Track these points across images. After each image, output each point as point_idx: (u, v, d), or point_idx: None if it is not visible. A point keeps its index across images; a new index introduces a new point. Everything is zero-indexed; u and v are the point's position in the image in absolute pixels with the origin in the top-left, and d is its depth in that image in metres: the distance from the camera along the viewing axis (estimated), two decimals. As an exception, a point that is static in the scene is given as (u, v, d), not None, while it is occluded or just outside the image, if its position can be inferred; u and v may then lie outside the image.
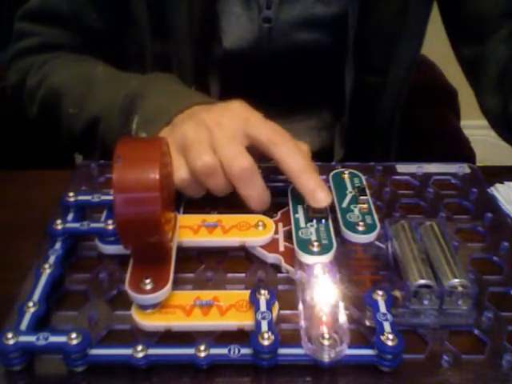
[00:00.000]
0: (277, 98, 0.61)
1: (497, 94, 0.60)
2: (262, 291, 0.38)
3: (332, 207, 0.46)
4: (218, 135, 0.45)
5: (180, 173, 0.45)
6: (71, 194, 0.46)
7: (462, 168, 0.54)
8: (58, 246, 0.43)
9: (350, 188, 0.48)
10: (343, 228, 0.44)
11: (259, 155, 0.45)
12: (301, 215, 0.45)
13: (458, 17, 0.63)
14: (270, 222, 0.45)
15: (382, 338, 0.35)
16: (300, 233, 0.43)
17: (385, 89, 0.65)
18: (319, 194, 0.44)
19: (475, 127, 1.24)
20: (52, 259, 0.42)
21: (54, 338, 0.35)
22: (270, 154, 0.45)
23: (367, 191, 0.47)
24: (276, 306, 0.38)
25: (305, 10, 0.60)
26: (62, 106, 0.59)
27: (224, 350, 0.35)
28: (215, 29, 0.61)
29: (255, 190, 0.45)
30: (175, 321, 0.38)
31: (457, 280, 0.38)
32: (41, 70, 0.62)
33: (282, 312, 0.39)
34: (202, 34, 0.60)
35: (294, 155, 0.44)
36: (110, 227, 0.43)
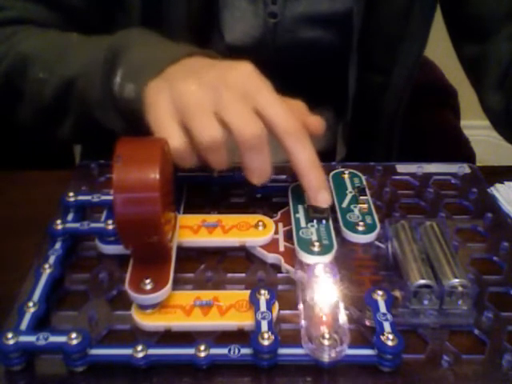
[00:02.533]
0: None
1: (499, 93, 0.60)
2: (262, 291, 0.38)
3: (332, 207, 0.46)
4: (225, 96, 0.41)
5: (175, 142, 0.41)
6: (71, 194, 0.46)
7: (462, 168, 0.54)
8: (58, 246, 0.43)
9: (349, 188, 0.48)
10: (343, 228, 0.44)
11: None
12: (301, 215, 0.45)
13: (460, 16, 0.63)
14: (270, 222, 0.45)
15: (382, 338, 0.35)
16: (301, 232, 0.43)
17: (388, 89, 0.65)
18: (323, 195, 0.43)
19: (475, 127, 1.24)
20: (52, 259, 0.42)
21: (53, 338, 0.35)
22: (281, 140, 0.42)
23: (367, 191, 0.47)
24: (276, 305, 0.38)
25: (310, 7, 0.60)
26: (29, 73, 0.54)
27: (224, 350, 0.35)
28: (215, 21, 0.60)
29: (261, 162, 0.42)
30: (175, 321, 0.38)
31: (457, 280, 0.38)
32: (8, 40, 0.57)
33: (282, 312, 0.39)
34: (200, 26, 0.59)
35: (306, 149, 0.42)
36: (110, 227, 0.43)
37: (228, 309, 0.38)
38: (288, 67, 0.63)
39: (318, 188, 0.43)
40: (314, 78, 0.65)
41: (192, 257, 0.44)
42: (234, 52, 0.61)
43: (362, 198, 0.46)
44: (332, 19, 0.61)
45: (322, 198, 0.43)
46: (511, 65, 0.58)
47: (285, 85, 0.58)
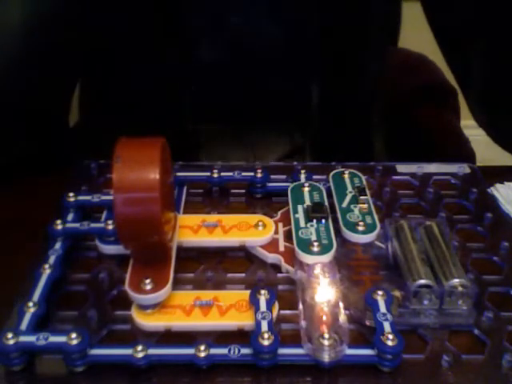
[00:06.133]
0: (243, 111, 0.62)
1: (482, 108, 0.60)
2: (262, 291, 0.38)
3: (332, 207, 0.46)
4: None
5: None
6: (71, 194, 0.46)
7: (462, 168, 0.54)
8: (57, 246, 0.43)
9: (349, 188, 0.48)
10: (343, 228, 0.44)
11: None
12: (301, 215, 0.45)
13: (441, 27, 0.63)
14: (269, 221, 0.45)
15: (382, 338, 0.35)
16: (300, 233, 0.43)
17: (354, 97, 0.65)
18: None
19: (475, 127, 1.23)
20: (52, 259, 0.42)
21: (53, 338, 0.35)
22: None
23: (367, 191, 0.47)
24: (276, 305, 0.38)
25: (269, 21, 0.59)
26: None
27: (224, 350, 0.35)
28: (179, 42, 0.59)
29: None
30: (175, 321, 0.38)
31: (457, 280, 0.38)
32: None
33: (282, 312, 0.39)
34: (165, 46, 0.59)
35: None
36: (110, 227, 0.43)
37: (228, 309, 0.38)
38: (251, 81, 0.62)
39: None
40: (278, 90, 0.63)
41: (192, 257, 0.44)
42: (202, 71, 0.60)
43: (361, 197, 0.46)
44: (290, 32, 0.60)
45: None
46: (490, 81, 0.58)
47: (248, 97, 0.59)
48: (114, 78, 0.62)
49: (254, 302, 0.37)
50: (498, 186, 0.52)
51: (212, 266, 0.43)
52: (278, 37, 0.60)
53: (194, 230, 0.44)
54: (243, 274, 0.43)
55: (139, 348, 0.35)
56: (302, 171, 0.50)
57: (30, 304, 0.37)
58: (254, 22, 0.59)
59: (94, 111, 0.70)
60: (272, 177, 0.50)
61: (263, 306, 0.37)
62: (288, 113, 0.65)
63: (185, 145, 0.62)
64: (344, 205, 0.46)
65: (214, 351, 0.35)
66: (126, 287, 0.38)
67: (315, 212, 0.44)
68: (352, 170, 0.50)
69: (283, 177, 0.51)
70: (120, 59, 0.60)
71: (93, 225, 0.44)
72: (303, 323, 0.36)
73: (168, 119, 0.61)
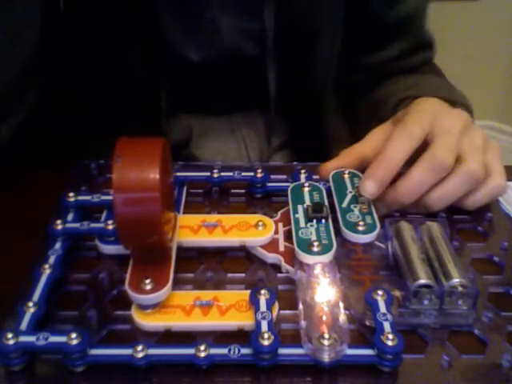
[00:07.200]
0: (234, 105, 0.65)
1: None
2: (262, 291, 0.38)
3: (332, 207, 0.46)
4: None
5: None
6: (71, 194, 0.46)
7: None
8: (57, 246, 0.43)
9: (349, 188, 0.48)
10: (343, 228, 0.44)
11: None
12: (301, 215, 0.45)
13: (362, 25, 0.65)
14: (269, 221, 0.45)
15: (382, 337, 0.35)
16: (300, 233, 0.43)
17: (308, 87, 0.66)
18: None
19: (475, 127, 1.23)
20: (52, 259, 0.42)
21: (53, 338, 0.35)
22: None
23: (367, 191, 0.47)
24: (276, 305, 0.38)
25: (239, 27, 0.60)
26: None
27: (224, 350, 0.35)
28: (162, 40, 0.60)
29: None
30: (175, 321, 0.38)
31: (457, 280, 0.38)
32: None
33: (282, 312, 0.39)
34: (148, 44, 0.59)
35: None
36: (110, 227, 0.43)
37: (228, 309, 0.38)
38: (217, 79, 0.62)
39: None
40: (239, 84, 0.64)
41: (192, 257, 0.44)
42: (180, 67, 0.61)
43: (362, 197, 0.46)
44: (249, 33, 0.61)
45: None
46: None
47: (216, 94, 0.62)
48: (95, 78, 0.63)
49: (254, 302, 0.37)
50: (498, 185, 0.52)
51: (212, 265, 0.43)
52: (255, 33, 0.61)
53: (194, 230, 0.44)
54: (243, 274, 0.43)
55: (139, 348, 0.35)
56: (302, 171, 0.50)
57: (30, 304, 0.37)
58: (227, 19, 0.60)
59: (80, 111, 0.70)
60: (272, 177, 0.50)
61: (263, 306, 0.37)
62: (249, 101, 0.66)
63: (174, 138, 0.63)
64: (344, 205, 0.46)
65: (213, 351, 0.35)
66: (126, 287, 0.38)
67: (315, 212, 0.44)
68: (352, 170, 0.50)
69: (283, 177, 0.51)
70: (100, 60, 0.60)
71: (93, 225, 0.44)
72: (303, 323, 0.36)
73: (150, 115, 0.62)
